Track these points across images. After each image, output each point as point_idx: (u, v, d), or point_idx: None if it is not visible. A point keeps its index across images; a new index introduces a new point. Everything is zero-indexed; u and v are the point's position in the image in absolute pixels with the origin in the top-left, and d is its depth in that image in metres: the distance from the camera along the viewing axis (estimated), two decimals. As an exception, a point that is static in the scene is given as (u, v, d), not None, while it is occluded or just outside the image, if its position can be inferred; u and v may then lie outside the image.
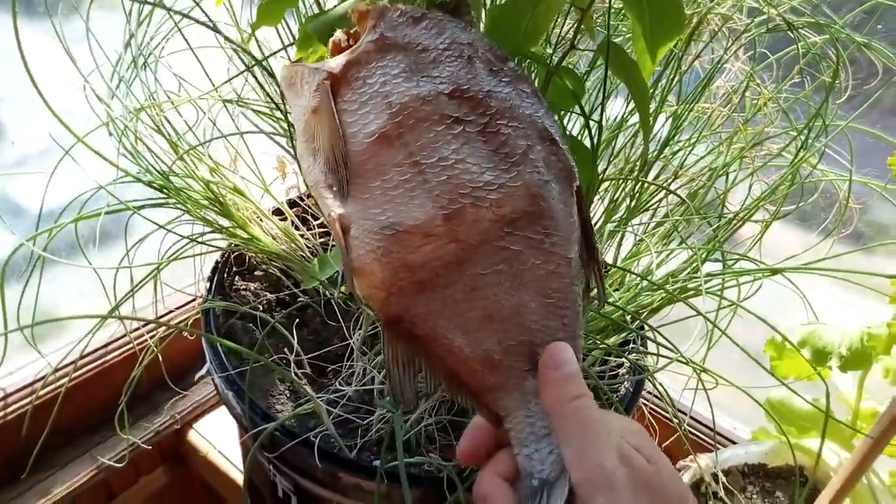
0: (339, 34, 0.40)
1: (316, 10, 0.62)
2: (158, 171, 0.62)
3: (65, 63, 0.62)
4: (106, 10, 0.66)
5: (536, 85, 0.62)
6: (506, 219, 0.35)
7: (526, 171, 0.36)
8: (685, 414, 0.77)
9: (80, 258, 0.69)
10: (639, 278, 0.63)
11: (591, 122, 0.52)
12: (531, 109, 0.37)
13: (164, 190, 0.62)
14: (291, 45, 0.65)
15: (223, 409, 0.92)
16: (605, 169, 0.65)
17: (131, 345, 0.81)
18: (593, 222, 0.65)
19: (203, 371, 0.59)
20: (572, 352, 0.36)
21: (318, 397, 0.53)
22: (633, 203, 0.65)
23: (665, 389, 0.60)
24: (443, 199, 0.34)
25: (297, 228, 0.71)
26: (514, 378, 0.36)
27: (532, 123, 0.37)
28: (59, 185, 0.64)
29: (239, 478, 0.86)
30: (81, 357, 0.77)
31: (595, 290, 0.39)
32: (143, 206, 0.62)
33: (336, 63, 0.37)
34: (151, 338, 0.71)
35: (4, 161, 0.79)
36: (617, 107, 0.69)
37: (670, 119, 0.63)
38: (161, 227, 0.65)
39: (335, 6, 0.56)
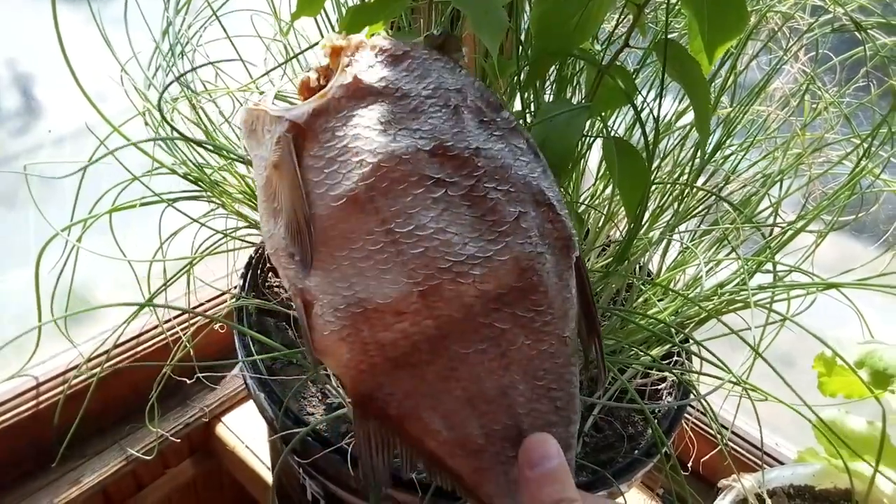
0: (310, 72, 0.35)
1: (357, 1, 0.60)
2: (194, 164, 0.61)
3: (102, 48, 0.61)
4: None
5: (585, 84, 0.60)
6: (490, 295, 0.31)
7: (516, 242, 0.31)
8: (727, 429, 0.74)
9: (113, 246, 0.69)
10: (685, 288, 0.60)
11: (645, 128, 0.50)
12: (526, 169, 0.33)
13: (200, 183, 0.61)
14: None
15: (251, 404, 0.92)
16: (654, 171, 0.62)
17: (163, 336, 0.81)
18: (640, 225, 0.63)
19: (235, 370, 0.58)
20: (554, 444, 0.32)
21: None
22: (680, 208, 0.62)
23: (710, 405, 0.58)
24: (418, 275, 0.30)
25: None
26: (499, 465, 0.33)
27: (526, 186, 0.32)
28: (94, 172, 0.63)
29: (266, 473, 0.85)
30: (114, 347, 0.77)
31: (596, 370, 0.35)
32: (177, 199, 0.61)
33: (301, 111, 0.32)
34: (183, 330, 0.70)
35: (40, 143, 0.79)
36: (666, 103, 0.66)
37: (723, 122, 0.60)
38: (195, 220, 0.64)
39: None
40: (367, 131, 0.31)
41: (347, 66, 0.33)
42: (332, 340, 0.31)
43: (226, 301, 0.86)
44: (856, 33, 0.55)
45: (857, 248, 0.68)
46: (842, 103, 0.59)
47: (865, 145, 0.55)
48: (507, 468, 0.33)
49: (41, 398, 0.75)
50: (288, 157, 0.32)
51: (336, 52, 0.34)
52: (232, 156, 0.60)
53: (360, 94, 0.32)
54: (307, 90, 0.35)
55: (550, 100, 0.65)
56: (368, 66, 0.33)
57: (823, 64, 0.60)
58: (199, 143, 0.59)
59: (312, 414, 0.56)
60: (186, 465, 0.90)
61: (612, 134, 0.65)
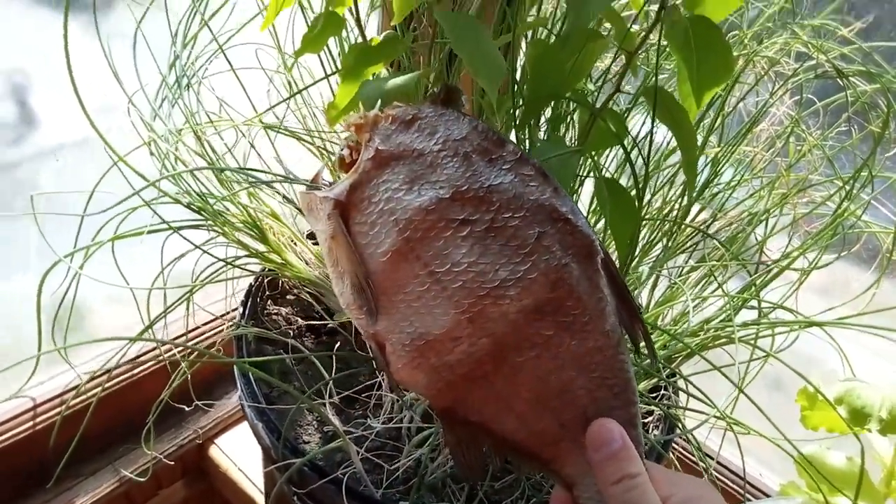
0: (343, 150, 0.40)
1: (357, 36, 0.62)
2: (197, 193, 0.63)
3: (100, 62, 0.62)
4: (152, 26, 0.67)
5: (578, 122, 0.62)
6: (529, 308, 0.35)
7: (542, 260, 0.35)
8: (712, 458, 0.75)
9: (114, 269, 0.70)
10: (673, 323, 0.62)
11: (635, 167, 0.52)
12: (537, 193, 0.37)
13: (202, 212, 0.63)
14: (333, 74, 0.66)
15: (244, 426, 0.93)
16: (644, 208, 0.64)
17: (161, 359, 0.82)
18: (631, 262, 0.65)
19: (234, 399, 0.59)
20: (617, 427, 0.36)
21: (346, 433, 0.53)
22: (668, 243, 0.64)
23: (695, 438, 0.59)
24: (463, 305, 0.35)
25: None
26: (575, 449, 0.36)
27: (540, 207, 0.36)
28: (97, 197, 0.64)
29: (257, 495, 0.86)
30: (108, 372, 0.78)
31: (645, 349, 0.39)
32: (181, 228, 0.62)
33: (341, 189, 0.37)
34: (181, 356, 0.71)
35: (39, 153, 0.79)
36: (655, 139, 0.68)
37: (711, 161, 0.62)
38: (198, 247, 0.65)
39: (383, 41, 0.56)
40: (395, 193, 0.36)
41: (369, 140, 0.38)
42: (407, 371, 0.36)
43: (224, 324, 0.87)
44: (838, 80, 0.57)
45: (847, 287, 0.70)
46: (825, 146, 0.61)
47: (847, 187, 0.57)
48: (583, 451, 0.36)
49: (38, 419, 0.76)
50: (339, 229, 0.37)
51: (358, 129, 0.39)
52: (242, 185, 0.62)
53: (383, 162, 0.37)
54: (344, 165, 0.40)
55: (545, 137, 0.67)
56: (386, 136, 0.38)
57: (808, 108, 0.62)
58: (225, 170, 0.61)
59: (308, 442, 0.57)
60: (179, 487, 0.90)
61: (604, 170, 0.67)
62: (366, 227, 0.36)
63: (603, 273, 0.37)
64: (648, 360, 0.55)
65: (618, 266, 0.54)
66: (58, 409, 0.76)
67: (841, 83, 0.57)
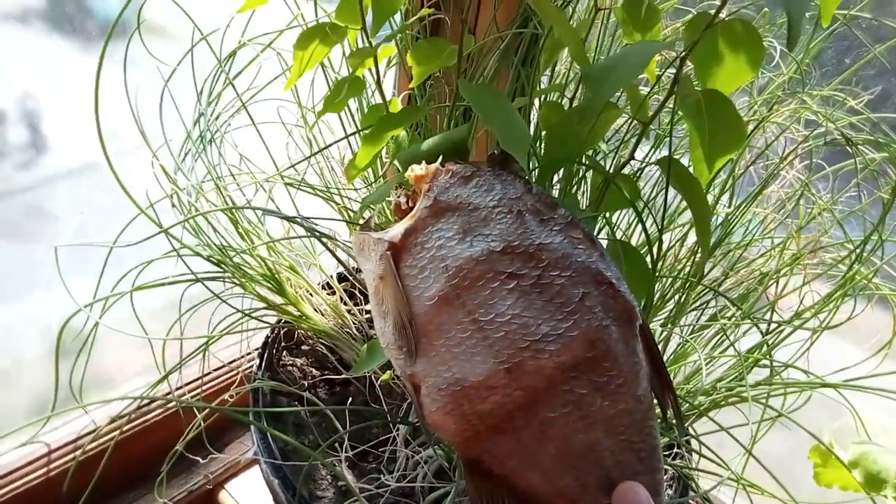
0: (401, 197, 0.42)
1: (377, 97, 0.64)
2: (217, 247, 0.64)
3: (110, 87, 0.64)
4: (179, 85, 0.69)
5: (591, 184, 0.64)
6: (567, 365, 0.36)
7: (583, 319, 0.36)
8: (724, 514, 0.75)
9: (132, 317, 0.71)
10: (685, 381, 0.62)
11: (648, 231, 0.53)
12: (584, 256, 0.38)
13: (222, 265, 0.64)
14: (353, 134, 0.67)
15: (255, 470, 0.93)
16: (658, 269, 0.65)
17: (174, 405, 0.83)
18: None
19: (250, 454, 0.59)
20: (643, 491, 0.36)
21: (360, 490, 0.53)
22: (681, 300, 0.65)
23: (709, 498, 0.59)
24: (503, 355, 0.35)
25: (344, 304, 0.72)
26: None
27: (586, 270, 0.37)
28: (119, 250, 0.66)
29: (267, 543, 0.85)
30: (126, 415, 0.79)
31: (673, 419, 0.39)
32: (203, 279, 0.63)
33: (396, 232, 0.39)
34: (195, 405, 0.72)
35: (49, 177, 0.80)
36: (668, 194, 0.70)
37: (723, 222, 0.64)
38: (216, 296, 0.66)
39: (403, 111, 0.58)
40: (448, 241, 0.38)
41: (428, 190, 0.40)
42: (439, 416, 0.37)
43: (238, 367, 0.88)
44: (847, 147, 0.58)
45: (858, 349, 0.71)
46: (835, 209, 0.62)
47: (858, 251, 0.58)
48: None
49: (52, 465, 0.76)
50: (389, 269, 0.38)
51: (418, 180, 0.41)
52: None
53: (440, 212, 0.39)
54: (399, 211, 0.41)
55: (558, 194, 0.68)
56: (444, 188, 0.39)
57: (817, 172, 0.63)
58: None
59: (322, 498, 0.57)
60: (188, 533, 0.90)
61: (616, 228, 0.68)
62: (415, 271, 0.38)
63: (640, 339, 0.38)
64: (675, 430, 0.56)
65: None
66: (72, 456, 0.76)
67: (850, 150, 0.59)
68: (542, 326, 0.36)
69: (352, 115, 0.74)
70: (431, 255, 0.37)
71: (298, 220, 0.64)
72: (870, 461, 0.59)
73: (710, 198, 0.63)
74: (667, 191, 0.52)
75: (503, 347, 0.36)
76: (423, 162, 0.42)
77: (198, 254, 0.64)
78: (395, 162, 0.49)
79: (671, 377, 0.39)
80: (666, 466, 0.62)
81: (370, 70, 0.61)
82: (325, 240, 0.64)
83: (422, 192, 0.40)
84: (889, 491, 0.57)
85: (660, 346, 0.66)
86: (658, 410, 0.39)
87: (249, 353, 0.86)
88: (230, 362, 0.90)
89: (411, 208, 0.40)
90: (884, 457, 0.59)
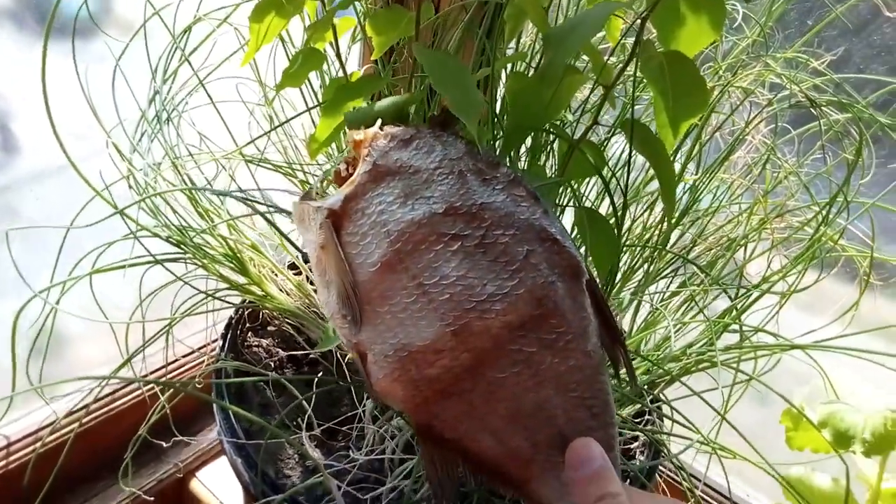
0: (340, 164, 0.41)
1: (338, 69, 0.62)
2: (177, 227, 0.62)
3: (83, 88, 0.62)
4: (132, 62, 0.67)
5: (557, 153, 0.63)
6: (514, 324, 0.35)
7: (528, 277, 0.36)
8: (699, 480, 0.75)
9: (92, 302, 0.69)
10: (655, 348, 0.62)
11: (614, 197, 0.52)
12: (527, 213, 0.37)
13: (182, 245, 0.62)
14: (314, 107, 0.66)
15: (226, 459, 0.91)
16: (624, 236, 0.65)
17: (139, 393, 0.81)
18: (612, 288, 0.65)
19: (213, 433, 0.58)
20: (597, 446, 0.35)
21: (328, 467, 0.52)
22: (649, 269, 0.64)
23: (680, 462, 0.59)
24: (448, 317, 0.35)
25: (311, 283, 0.71)
26: (549, 470, 0.36)
27: (530, 227, 0.37)
28: (76, 235, 0.64)
29: (240, 530, 0.84)
30: (88, 405, 0.77)
31: (625, 373, 0.39)
32: (163, 260, 0.61)
33: (336, 200, 0.38)
34: (160, 390, 0.70)
35: (17, 180, 0.78)
36: (634, 167, 0.69)
37: (690, 188, 0.63)
38: (179, 278, 0.64)
39: (361, 79, 0.56)
40: (389, 206, 0.37)
41: (367, 155, 0.39)
42: (387, 382, 0.36)
43: (204, 355, 0.86)
44: (811, 109, 0.58)
45: (826, 311, 0.71)
46: (801, 172, 0.62)
47: (824, 213, 0.58)
48: (557, 472, 0.36)
49: (11, 458, 0.74)
50: (330, 238, 0.37)
51: (357, 145, 0.39)
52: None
53: (380, 176, 0.38)
54: (340, 179, 0.40)
55: (525, 167, 0.67)
56: (384, 152, 0.39)
57: (783, 136, 0.63)
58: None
59: (290, 477, 0.56)
60: (158, 523, 0.88)
61: (584, 199, 0.68)
62: (357, 238, 0.37)
63: (587, 294, 0.37)
64: (629, 385, 0.55)
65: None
66: (32, 447, 0.74)
67: (814, 112, 0.59)
68: (487, 286, 0.35)
69: (314, 93, 0.72)
70: (372, 220, 0.37)
71: (255, 201, 0.63)
72: (838, 419, 0.59)
73: (676, 166, 0.63)
74: (630, 154, 0.51)
75: (449, 310, 0.35)
76: (362, 126, 0.41)
77: (156, 235, 0.62)
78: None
79: (619, 328, 0.38)
80: (637, 433, 0.62)
81: (331, 44, 0.60)
82: (284, 217, 0.63)
83: (361, 157, 0.39)
84: (857, 446, 0.58)
85: (630, 315, 0.66)
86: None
87: (216, 340, 0.84)
88: (197, 349, 0.88)
89: (351, 175, 0.39)
90: (851, 415, 0.59)
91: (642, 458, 0.61)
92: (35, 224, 0.72)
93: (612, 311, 0.50)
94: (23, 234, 0.74)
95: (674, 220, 0.62)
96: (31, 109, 0.72)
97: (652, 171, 0.66)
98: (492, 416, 0.36)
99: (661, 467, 0.78)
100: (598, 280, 0.61)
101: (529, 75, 0.59)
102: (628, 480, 0.57)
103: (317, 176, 0.68)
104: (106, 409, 0.81)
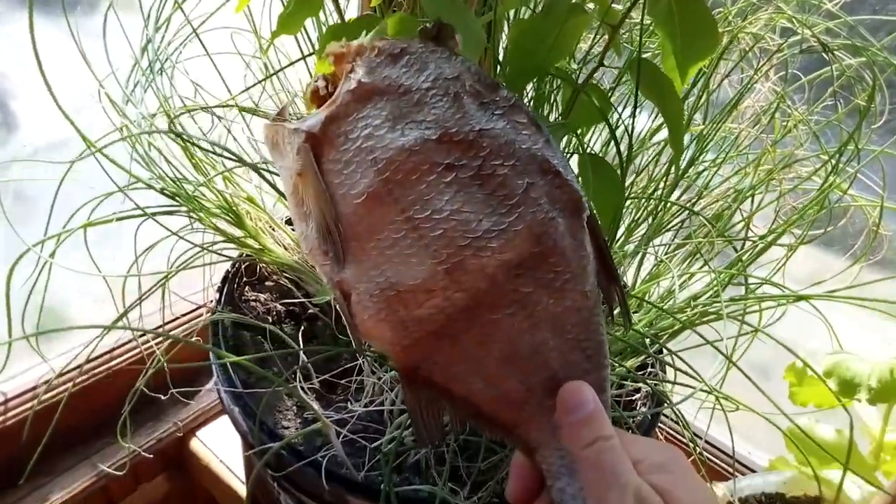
0: (318, 80, 0.37)
1: (336, 19, 0.60)
2: (171, 179, 0.61)
3: (80, 63, 0.61)
4: (125, 11, 0.65)
5: (562, 102, 0.61)
6: (511, 263, 0.33)
7: (528, 212, 0.33)
8: (700, 438, 0.75)
9: (88, 261, 0.68)
10: (659, 300, 0.61)
11: (620, 144, 0.51)
12: (529, 142, 0.34)
13: (177, 197, 0.61)
14: (311, 55, 0.64)
15: (226, 418, 0.91)
16: (629, 187, 0.64)
17: (137, 350, 0.80)
18: (615, 237, 0.64)
19: (210, 385, 0.57)
20: (590, 390, 0.34)
21: (326, 416, 0.52)
22: (654, 222, 0.63)
23: (682, 415, 0.58)
24: (441, 254, 0.32)
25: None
26: (542, 413, 0.35)
27: (531, 157, 0.34)
28: (68, 186, 0.63)
29: (240, 488, 0.84)
30: (86, 362, 0.76)
31: (619, 313, 0.37)
32: (156, 213, 0.60)
33: (315, 121, 0.34)
34: (158, 346, 0.69)
35: (15, 157, 0.78)
36: (640, 122, 0.68)
37: (696, 139, 0.62)
38: (174, 233, 0.63)
39: (359, 18, 0.55)
40: (377, 130, 0.33)
41: (351, 71, 0.35)
42: (373, 323, 0.33)
43: (202, 315, 0.85)
44: (823, 54, 0.56)
45: (829, 259, 0.70)
46: (811, 121, 0.60)
47: (833, 162, 0.57)
48: (549, 416, 0.35)
49: (9, 414, 0.74)
50: (309, 164, 0.34)
51: (339, 59, 0.36)
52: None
53: (366, 95, 0.34)
54: (317, 98, 0.37)
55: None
56: (370, 68, 0.35)
57: (793, 83, 0.62)
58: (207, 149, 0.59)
59: (288, 428, 0.55)
60: (160, 481, 0.88)
61: (588, 150, 0.66)
62: (339, 166, 0.33)
63: (587, 231, 0.35)
64: (623, 326, 0.54)
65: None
66: (30, 404, 0.74)
67: (826, 57, 0.57)
68: (483, 222, 0.33)
69: (312, 45, 0.70)
70: (357, 146, 0.33)
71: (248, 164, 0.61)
72: (843, 368, 0.58)
73: (684, 115, 0.61)
74: (636, 97, 0.49)
75: (441, 247, 0.32)
76: (344, 38, 0.37)
77: (150, 186, 0.61)
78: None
79: (615, 267, 0.37)
80: (640, 385, 0.61)
81: (327, -11, 0.58)
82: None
83: (343, 73, 0.35)
84: (862, 394, 0.57)
85: (635, 268, 0.65)
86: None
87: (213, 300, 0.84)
88: (193, 310, 0.87)
89: (331, 94, 0.35)
90: (857, 364, 0.58)
91: (644, 409, 0.60)
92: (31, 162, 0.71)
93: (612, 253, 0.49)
94: (16, 195, 0.73)
95: (681, 170, 0.60)
96: (31, 87, 0.71)
97: (657, 122, 0.65)
98: (485, 360, 0.34)
99: (661, 425, 0.78)
100: (602, 228, 0.60)
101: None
102: (631, 430, 0.56)
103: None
104: (103, 367, 0.81)
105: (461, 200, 0.33)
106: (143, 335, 0.76)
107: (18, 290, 0.61)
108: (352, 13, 0.77)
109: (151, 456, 0.82)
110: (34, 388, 0.75)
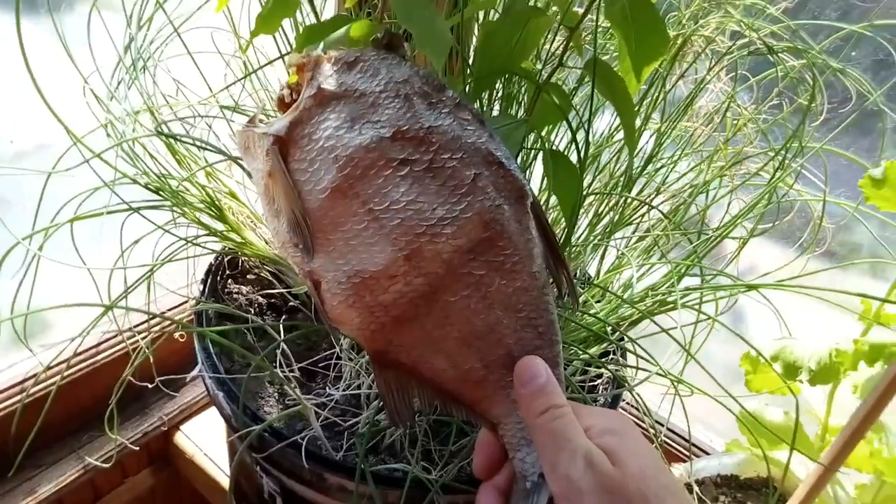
0: (283, 89, 0.41)
1: (313, 19, 0.64)
2: (156, 174, 0.63)
3: (64, 61, 0.63)
4: (107, 10, 0.67)
5: (525, 100, 0.65)
6: (464, 248, 0.36)
7: (476, 200, 0.37)
8: (662, 425, 0.79)
9: (74, 256, 0.70)
10: (621, 290, 0.64)
11: (578, 139, 0.54)
12: (474, 137, 0.38)
13: (161, 192, 0.63)
14: (287, 54, 0.67)
15: (211, 412, 0.94)
16: (591, 183, 0.67)
17: (123, 345, 0.82)
18: (578, 234, 0.68)
19: (195, 371, 0.60)
20: (542, 364, 0.37)
21: (307, 400, 0.54)
22: (616, 217, 0.67)
23: (643, 400, 0.62)
24: (400, 242, 0.36)
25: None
26: (501, 389, 0.38)
27: (476, 150, 0.38)
28: (54, 183, 0.65)
29: (225, 481, 0.86)
30: (73, 356, 0.78)
31: (568, 294, 0.40)
32: (141, 208, 0.63)
33: (281, 125, 0.38)
34: (143, 338, 0.72)
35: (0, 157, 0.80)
36: (603, 122, 0.71)
37: (654, 136, 0.65)
38: (159, 227, 0.66)
39: (332, 18, 0.58)
40: (336, 131, 0.37)
41: (311, 79, 0.38)
42: (341, 309, 0.37)
43: (185, 309, 0.88)
44: (769, 56, 0.61)
45: (784, 253, 0.74)
46: (759, 119, 0.64)
47: (779, 158, 0.61)
48: (508, 391, 0.38)
49: (-2, 406, 0.75)
50: (277, 165, 0.37)
51: (301, 69, 0.39)
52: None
53: (325, 100, 0.38)
54: (283, 105, 0.40)
55: (497, 115, 0.69)
56: (328, 76, 0.38)
57: (743, 83, 0.66)
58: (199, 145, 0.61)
59: (269, 413, 0.58)
60: (145, 475, 0.91)
61: (553, 146, 0.70)
62: (305, 164, 0.37)
63: (532, 217, 0.39)
64: (571, 307, 0.57)
65: (564, 232, 0.56)
66: (18, 398, 0.76)
67: (772, 59, 0.61)
68: (437, 210, 0.36)
69: (290, 44, 0.73)
70: (320, 146, 0.37)
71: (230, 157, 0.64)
72: (787, 353, 0.62)
73: (641, 115, 0.65)
74: (592, 92, 0.53)
75: (400, 235, 0.36)
76: (304, 50, 0.40)
77: (135, 181, 0.64)
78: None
79: (561, 249, 0.40)
80: (602, 371, 0.65)
81: (304, -9, 0.61)
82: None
83: (305, 81, 0.38)
84: (804, 375, 0.61)
85: (597, 260, 0.69)
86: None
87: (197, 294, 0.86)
88: (178, 305, 0.89)
89: (295, 100, 0.38)
90: (799, 348, 0.62)
91: (606, 394, 0.64)
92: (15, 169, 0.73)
93: (562, 241, 0.53)
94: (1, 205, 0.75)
95: (638, 168, 0.64)
96: (15, 89, 0.73)
97: (618, 122, 0.69)
98: (446, 340, 0.37)
99: (624, 411, 0.81)
100: (562, 224, 0.63)
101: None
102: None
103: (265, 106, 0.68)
104: (90, 361, 0.83)
105: (416, 192, 0.36)
106: (130, 329, 0.78)
107: (7, 283, 0.63)
108: (328, 14, 0.80)
109: (137, 449, 0.84)
110: (22, 381, 0.77)
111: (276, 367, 0.59)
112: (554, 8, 0.55)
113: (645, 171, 0.66)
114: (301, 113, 0.38)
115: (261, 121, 0.41)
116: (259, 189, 0.39)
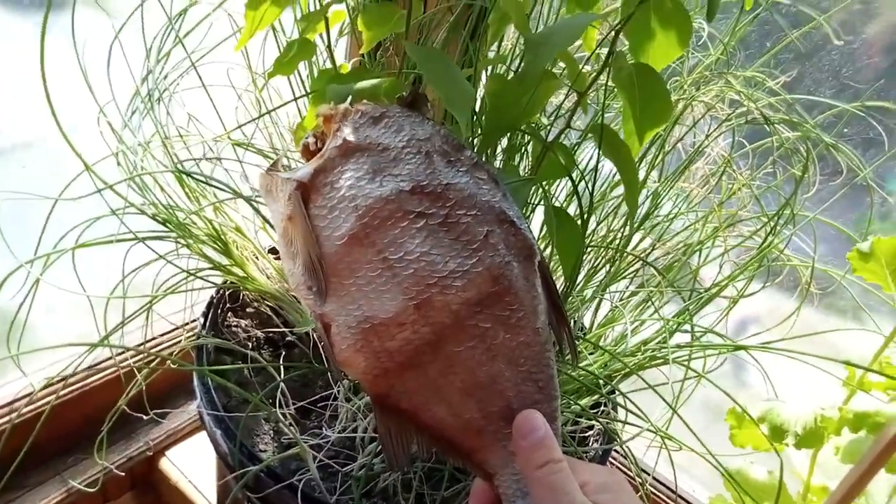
0: (309, 137, 0.42)
1: (328, 63, 0.65)
2: (164, 206, 0.64)
3: (82, 87, 0.64)
4: (128, 36, 0.68)
5: (532, 153, 0.67)
6: (472, 301, 0.38)
7: (487, 256, 0.38)
8: (648, 474, 0.80)
9: (66, 279, 0.70)
10: (613, 343, 0.66)
11: (581, 198, 0.56)
12: (488, 195, 0.40)
13: (167, 224, 0.64)
14: (303, 96, 0.68)
15: (196, 438, 0.93)
16: (590, 235, 0.69)
17: (113, 370, 0.82)
18: (574, 285, 0.69)
19: (185, 407, 0.60)
20: (541, 418, 0.39)
21: (304, 441, 0.55)
22: (611, 270, 0.69)
23: (631, 451, 0.63)
24: (411, 291, 0.37)
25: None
26: (498, 440, 0.39)
27: (490, 209, 0.39)
28: (61, 204, 0.65)
29: (207, 508, 0.86)
30: (61, 380, 0.78)
31: (568, 351, 0.41)
32: (146, 238, 0.63)
33: (305, 172, 0.39)
34: (137, 366, 0.72)
35: (10, 177, 0.80)
36: (605, 170, 0.74)
37: (652, 195, 0.68)
38: (161, 257, 0.66)
39: (355, 70, 0.59)
40: (358, 181, 0.38)
41: (337, 130, 0.40)
42: (349, 353, 0.38)
43: (181, 335, 0.88)
44: (766, 126, 0.63)
45: (772, 312, 0.76)
46: (753, 185, 0.67)
47: (772, 224, 0.63)
48: (505, 442, 0.39)
49: (-14, 427, 0.75)
50: (298, 209, 0.38)
51: (328, 119, 0.41)
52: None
53: (349, 152, 0.39)
54: (307, 152, 0.41)
55: (501, 165, 0.71)
56: (354, 129, 0.40)
57: (739, 150, 0.68)
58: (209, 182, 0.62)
59: (265, 451, 0.59)
60: (127, 499, 0.90)
61: (554, 200, 0.72)
62: (325, 211, 0.38)
63: (539, 275, 0.40)
64: (571, 363, 0.59)
65: (564, 286, 0.58)
66: (7, 418, 0.75)
67: (768, 129, 0.63)
68: (449, 263, 0.37)
69: (303, 83, 0.75)
70: (341, 194, 0.38)
71: (237, 194, 0.65)
72: (774, 415, 0.64)
73: (641, 173, 0.67)
74: (598, 156, 0.55)
75: (412, 284, 0.37)
76: (332, 102, 0.42)
77: (143, 212, 0.65)
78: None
79: (564, 308, 0.41)
80: (593, 422, 0.66)
81: (321, 36, 0.62)
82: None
83: (331, 132, 0.40)
84: (790, 439, 0.62)
85: (591, 312, 0.70)
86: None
87: (195, 321, 0.86)
88: (173, 329, 0.89)
89: (319, 149, 0.40)
90: (786, 411, 0.64)
91: (596, 445, 0.65)
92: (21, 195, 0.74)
93: (572, 306, 0.54)
94: (8, 210, 0.75)
95: (636, 225, 0.66)
96: (19, 86, 0.73)
97: (617, 178, 0.71)
98: (448, 388, 0.38)
99: (613, 461, 0.82)
100: (562, 278, 0.65)
101: (509, 78, 0.63)
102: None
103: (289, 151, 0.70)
104: (80, 384, 0.82)
105: (430, 244, 0.38)
106: (124, 353, 0.78)
107: (3, 303, 0.63)
108: (339, 53, 0.82)
109: (123, 473, 0.83)
110: (11, 402, 0.76)
111: (273, 407, 0.60)
112: (564, 70, 0.57)
113: (642, 227, 0.68)
114: (325, 161, 0.39)
115: (283, 165, 0.43)
116: (278, 231, 0.41)
